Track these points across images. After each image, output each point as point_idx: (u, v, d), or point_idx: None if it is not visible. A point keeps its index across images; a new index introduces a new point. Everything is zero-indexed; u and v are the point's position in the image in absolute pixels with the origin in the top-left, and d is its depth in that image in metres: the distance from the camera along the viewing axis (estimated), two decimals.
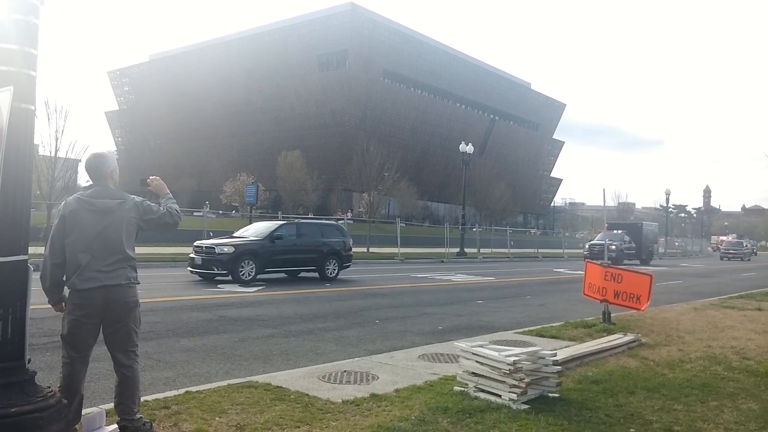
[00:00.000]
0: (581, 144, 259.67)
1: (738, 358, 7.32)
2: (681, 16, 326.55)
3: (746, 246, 57.76)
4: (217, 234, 21.81)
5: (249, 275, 15.97)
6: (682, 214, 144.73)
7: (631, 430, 4.47)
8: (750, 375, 6.43)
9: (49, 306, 3.98)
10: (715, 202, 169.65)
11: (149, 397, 4.80)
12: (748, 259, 54.01)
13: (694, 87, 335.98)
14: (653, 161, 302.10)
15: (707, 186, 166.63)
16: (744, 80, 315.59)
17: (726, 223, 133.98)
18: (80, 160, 26.10)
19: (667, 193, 62.40)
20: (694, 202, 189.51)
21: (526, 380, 4.93)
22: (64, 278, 3.88)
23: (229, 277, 15.74)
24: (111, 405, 4.17)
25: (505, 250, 41.62)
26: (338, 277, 18.37)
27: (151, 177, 4.43)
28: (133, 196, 4.13)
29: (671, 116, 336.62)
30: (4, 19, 3.11)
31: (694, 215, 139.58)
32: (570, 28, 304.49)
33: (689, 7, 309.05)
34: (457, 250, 37.89)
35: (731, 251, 54.76)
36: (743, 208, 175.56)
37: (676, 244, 72.92)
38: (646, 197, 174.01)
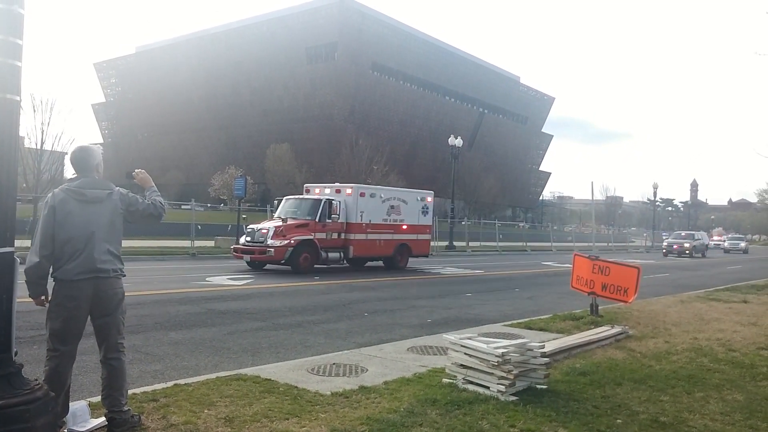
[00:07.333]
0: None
1: (724, 349, 7.40)
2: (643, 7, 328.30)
3: None
4: (206, 228, 21.74)
5: None
6: (670, 208, 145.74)
7: (618, 420, 4.51)
8: (735, 366, 6.50)
9: None
10: (702, 196, 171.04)
11: (137, 390, 4.78)
12: None
13: (665, 78, 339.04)
14: (628, 154, 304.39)
15: (694, 180, 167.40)
16: (722, 71, 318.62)
17: (713, 217, 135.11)
18: (66, 153, 25.91)
19: (655, 187, 62.70)
20: (681, 195, 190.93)
21: (514, 372, 4.96)
22: (51, 270, 3.83)
23: None
24: (98, 398, 4.14)
25: (494, 244, 41.75)
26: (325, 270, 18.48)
27: (136, 170, 4.41)
28: (118, 187, 4.10)
29: (638, 109, 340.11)
30: None
31: (681, 209, 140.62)
32: (549, 22, 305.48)
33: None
34: (446, 243, 37.92)
35: None
36: (730, 201, 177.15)
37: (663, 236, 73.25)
38: (633, 191, 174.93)
